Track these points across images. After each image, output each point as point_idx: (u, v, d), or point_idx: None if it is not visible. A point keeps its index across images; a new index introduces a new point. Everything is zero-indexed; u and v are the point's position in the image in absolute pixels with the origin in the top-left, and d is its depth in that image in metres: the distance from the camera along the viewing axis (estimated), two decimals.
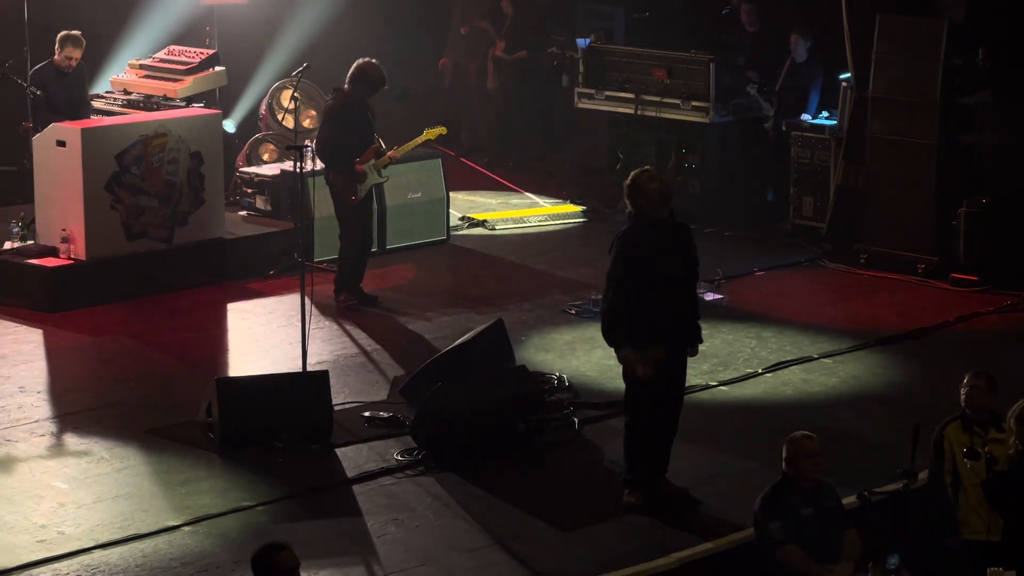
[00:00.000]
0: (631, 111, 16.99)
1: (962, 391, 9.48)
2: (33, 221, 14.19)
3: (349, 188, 13.66)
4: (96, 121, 14.58)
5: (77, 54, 15.05)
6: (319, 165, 14.21)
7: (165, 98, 15.64)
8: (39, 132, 14.37)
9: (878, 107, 15.13)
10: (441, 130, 14.43)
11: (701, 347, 12.72)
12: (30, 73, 15.14)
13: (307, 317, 11.47)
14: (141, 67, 16.05)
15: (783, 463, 9.06)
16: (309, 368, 11.53)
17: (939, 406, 9.91)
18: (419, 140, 14.39)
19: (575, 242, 16.19)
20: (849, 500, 9.64)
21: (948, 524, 9.37)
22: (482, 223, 16.76)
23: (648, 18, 18.79)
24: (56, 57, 15.07)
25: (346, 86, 13.72)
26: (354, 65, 13.71)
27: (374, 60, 13.76)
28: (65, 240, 13.85)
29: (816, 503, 8.99)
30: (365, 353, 12.83)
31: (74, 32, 15.11)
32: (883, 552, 8.56)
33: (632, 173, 10.22)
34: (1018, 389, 11.50)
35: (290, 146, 12.97)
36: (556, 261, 15.50)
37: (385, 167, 13.89)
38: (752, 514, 9.10)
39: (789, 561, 8.84)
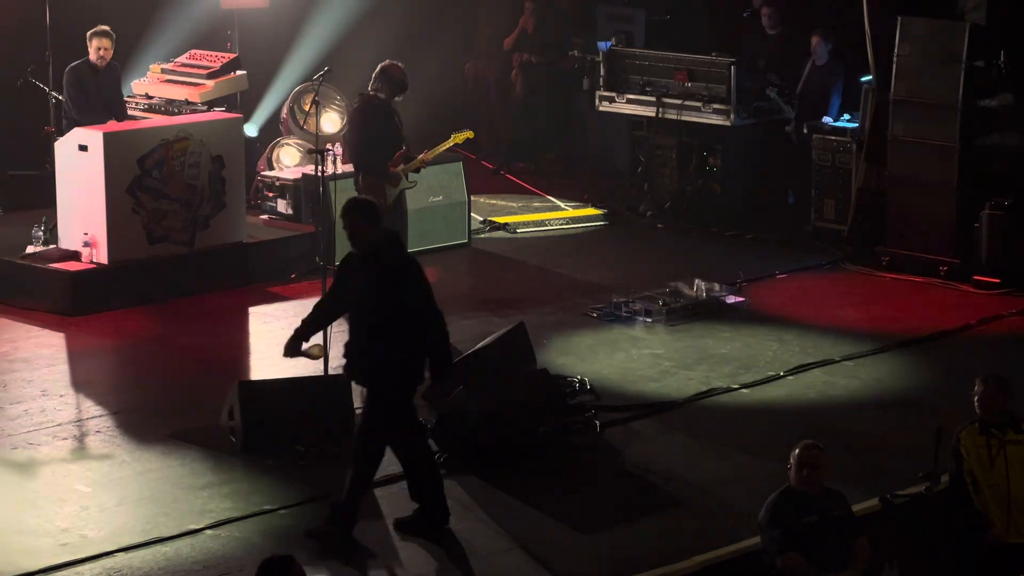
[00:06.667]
0: (652, 114, 16.98)
1: (974, 397, 9.46)
2: (55, 225, 14.23)
3: (379, 192, 13.45)
4: (118, 125, 14.59)
5: (107, 44, 14.61)
6: (340, 168, 14.18)
7: (187, 102, 15.63)
8: (61, 136, 14.39)
9: (899, 109, 15.09)
10: (468, 134, 14.24)
11: (723, 350, 12.84)
12: (67, 70, 14.75)
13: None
14: (163, 71, 16.05)
15: (788, 470, 8.97)
16: (330, 372, 11.54)
17: (961, 409, 9.87)
18: (447, 144, 14.21)
19: (596, 245, 16.18)
20: (871, 503, 9.61)
21: (978, 525, 9.30)
22: (503, 226, 16.75)
23: (669, 21, 18.78)
24: (91, 55, 14.78)
25: (369, 88, 13.67)
26: (378, 67, 13.67)
27: (398, 63, 13.69)
28: (87, 244, 13.88)
29: (821, 511, 8.82)
30: None
31: (102, 26, 14.78)
32: (880, 563, 8.50)
33: (353, 199, 9.76)
34: None
35: (312, 149, 13.00)
36: (577, 264, 15.49)
37: (416, 171, 13.74)
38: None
39: (789, 569, 8.69)
